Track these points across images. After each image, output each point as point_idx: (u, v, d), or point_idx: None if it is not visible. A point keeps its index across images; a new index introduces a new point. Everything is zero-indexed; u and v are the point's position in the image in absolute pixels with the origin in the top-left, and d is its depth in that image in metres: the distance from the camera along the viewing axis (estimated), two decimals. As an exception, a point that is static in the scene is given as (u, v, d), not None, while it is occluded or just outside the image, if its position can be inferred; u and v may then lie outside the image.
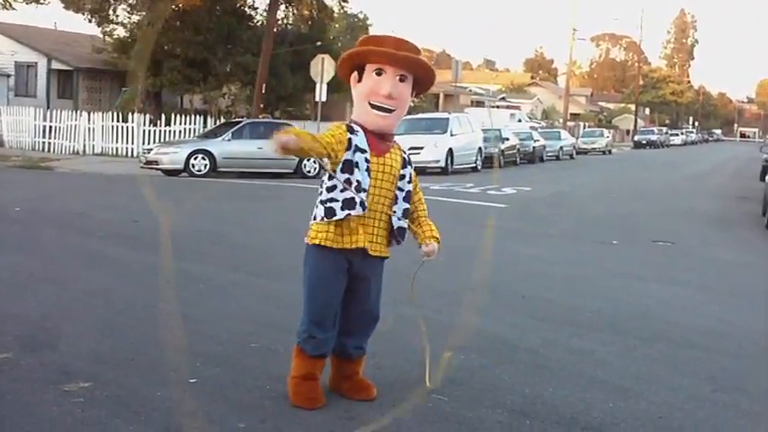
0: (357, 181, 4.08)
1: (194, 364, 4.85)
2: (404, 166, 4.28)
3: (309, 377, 4.24)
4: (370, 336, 4.44)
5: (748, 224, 15.68)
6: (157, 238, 8.51)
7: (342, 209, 4.07)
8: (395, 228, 4.24)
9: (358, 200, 4.07)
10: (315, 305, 4.19)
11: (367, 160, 4.11)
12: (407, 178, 4.28)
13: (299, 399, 4.21)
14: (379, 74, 4.13)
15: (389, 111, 4.16)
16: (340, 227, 4.11)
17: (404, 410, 4.22)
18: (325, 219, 4.11)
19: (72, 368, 4.70)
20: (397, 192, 4.24)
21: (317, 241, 4.14)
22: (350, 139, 4.10)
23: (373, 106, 4.14)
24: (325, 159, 4.03)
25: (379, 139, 4.19)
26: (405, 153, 4.35)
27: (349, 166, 4.09)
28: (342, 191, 4.08)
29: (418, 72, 4.23)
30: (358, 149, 4.10)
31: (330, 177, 4.12)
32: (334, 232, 4.11)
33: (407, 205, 4.28)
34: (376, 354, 4.81)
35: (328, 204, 4.10)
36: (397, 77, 4.14)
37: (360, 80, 4.20)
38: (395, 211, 4.23)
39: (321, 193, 4.16)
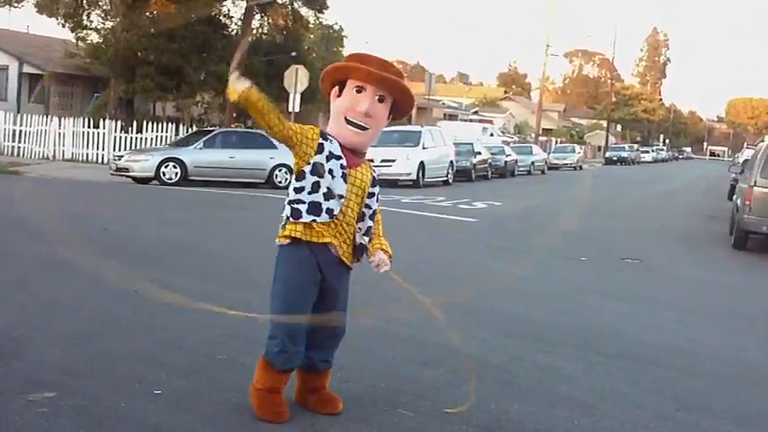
0: (327, 188, 4.08)
1: (160, 375, 4.84)
2: (373, 185, 4.29)
3: (274, 390, 4.22)
4: (336, 348, 4.42)
5: (716, 243, 15.85)
6: (128, 246, 8.46)
7: (308, 212, 4.07)
8: (356, 244, 4.24)
9: (324, 207, 4.08)
10: (288, 313, 4.09)
11: (343, 167, 4.12)
12: (375, 197, 4.30)
13: (265, 412, 4.19)
14: (359, 91, 4.14)
15: (364, 128, 4.16)
16: (309, 227, 4.09)
17: (370, 425, 4.23)
18: (291, 219, 4.11)
19: (37, 378, 4.65)
20: (365, 209, 4.24)
21: (286, 233, 4.11)
22: (321, 144, 4.10)
23: (349, 122, 4.15)
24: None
25: (352, 153, 4.20)
26: (374, 172, 4.36)
27: (317, 170, 4.08)
28: (309, 193, 4.09)
29: (398, 95, 4.24)
30: (333, 156, 4.10)
31: (298, 178, 4.12)
32: (302, 230, 4.09)
33: (371, 224, 4.28)
34: (343, 367, 4.81)
35: (295, 205, 4.10)
36: (377, 97, 4.16)
37: (340, 95, 4.21)
38: (359, 228, 4.24)
39: (288, 193, 4.17)
